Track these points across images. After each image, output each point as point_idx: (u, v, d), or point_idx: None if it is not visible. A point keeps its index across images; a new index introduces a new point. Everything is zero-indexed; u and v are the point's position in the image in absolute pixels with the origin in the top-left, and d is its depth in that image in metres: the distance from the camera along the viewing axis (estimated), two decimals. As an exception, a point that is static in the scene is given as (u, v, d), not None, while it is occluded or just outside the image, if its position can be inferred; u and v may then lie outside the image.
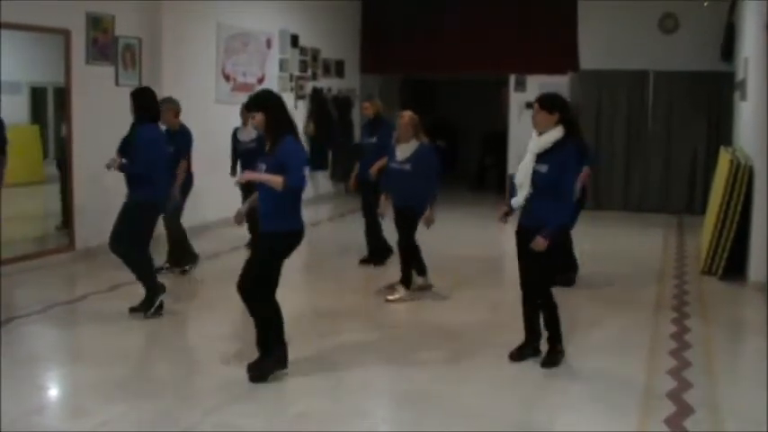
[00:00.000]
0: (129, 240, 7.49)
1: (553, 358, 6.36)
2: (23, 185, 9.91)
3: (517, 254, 6.41)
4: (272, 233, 5.86)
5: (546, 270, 6.34)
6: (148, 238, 7.72)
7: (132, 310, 7.54)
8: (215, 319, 7.67)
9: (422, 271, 8.61)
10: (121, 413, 5.30)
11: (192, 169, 9.27)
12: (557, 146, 6.10)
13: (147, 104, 7.60)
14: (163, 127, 8.40)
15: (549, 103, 6.18)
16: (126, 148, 7.70)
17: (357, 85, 17.21)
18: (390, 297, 8.30)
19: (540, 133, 6.18)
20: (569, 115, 6.25)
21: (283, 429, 5.14)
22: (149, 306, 7.48)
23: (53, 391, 5.95)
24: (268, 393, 5.70)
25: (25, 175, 10.00)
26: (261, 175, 5.86)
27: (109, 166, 7.58)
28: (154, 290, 7.53)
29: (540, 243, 6.05)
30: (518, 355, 6.45)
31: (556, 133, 6.10)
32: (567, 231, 6.89)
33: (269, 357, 5.93)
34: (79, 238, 9.80)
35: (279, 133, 5.89)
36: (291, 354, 6.04)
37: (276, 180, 5.74)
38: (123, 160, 7.53)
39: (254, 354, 6.03)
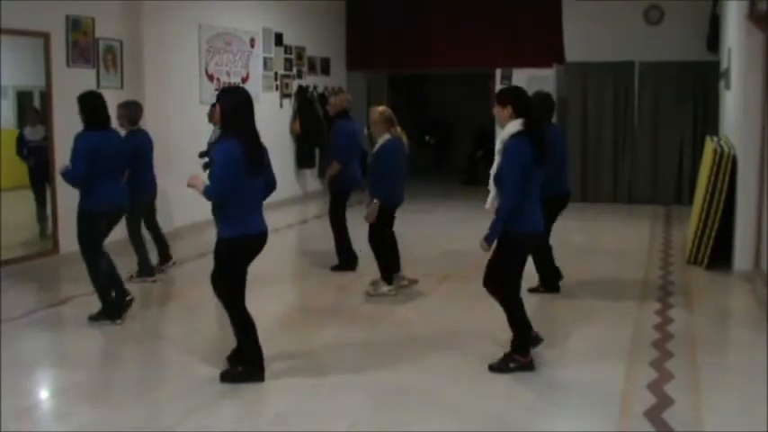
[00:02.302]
0: (81, 249, 7.38)
1: (500, 364, 6.06)
2: (9, 190, 9.85)
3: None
4: (218, 240, 5.73)
5: (500, 271, 6.00)
6: (94, 247, 7.42)
7: (91, 318, 7.37)
8: (194, 321, 7.66)
9: (396, 267, 8.52)
10: (101, 416, 5.29)
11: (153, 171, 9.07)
12: (511, 139, 5.87)
13: (92, 109, 7.32)
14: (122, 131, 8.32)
15: (500, 96, 6.04)
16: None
17: (344, 82, 17.17)
18: (372, 292, 8.29)
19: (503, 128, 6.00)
20: (527, 108, 5.95)
21: (263, 431, 5.12)
22: (101, 316, 7.33)
23: (35, 395, 5.91)
24: (248, 394, 5.68)
25: (11, 179, 9.95)
26: (196, 183, 5.67)
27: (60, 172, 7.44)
28: (103, 298, 7.37)
29: (481, 245, 5.88)
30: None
31: (511, 127, 5.88)
32: (539, 238, 6.64)
33: (241, 365, 5.89)
34: (64, 242, 9.75)
35: (224, 132, 5.77)
36: (272, 352, 6.03)
37: (200, 188, 5.61)
38: (68, 166, 7.27)
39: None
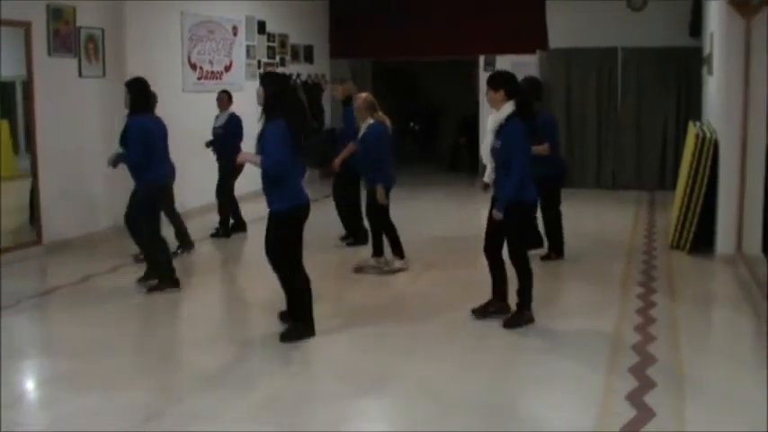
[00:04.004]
0: (140, 221, 7.97)
1: (517, 320, 6.74)
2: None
3: (487, 220, 6.87)
4: (276, 213, 6.40)
5: (513, 241, 6.75)
6: (154, 218, 8.12)
7: (139, 280, 8.16)
8: (184, 308, 7.68)
9: (379, 251, 8.84)
10: (89, 403, 5.29)
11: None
12: (508, 121, 6.53)
13: (139, 94, 7.94)
14: None
15: (492, 81, 6.66)
16: (123, 139, 8.22)
17: (327, 70, 17.14)
18: (385, 268, 8.61)
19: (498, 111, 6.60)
20: (517, 90, 6.61)
21: (251, 415, 5.14)
22: (146, 278, 8.09)
23: (23, 384, 5.90)
24: (235, 379, 5.70)
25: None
26: (248, 157, 6.46)
27: (109, 163, 8.19)
28: (153, 266, 8.07)
29: (494, 215, 6.67)
30: (481, 312, 6.95)
31: (507, 109, 6.53)
32: (532, 206, 7.01)
33: (296, 325, 6.51)
34: (46, 232, 9.72)
35: (268, 115, 6.30)
36: (258, 337, 6.08)
37: (255, 160, 6.30)
38: (120, 151, 8.18)
39: (223, 340, 6.37)
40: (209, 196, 10.85)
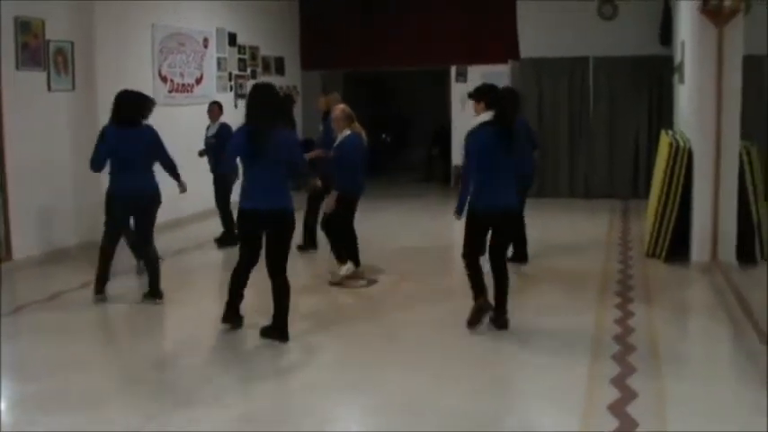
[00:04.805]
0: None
1: (505, 320, 6.95)
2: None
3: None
4: (290, 216, 6.79)
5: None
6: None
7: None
8: (156, 325, 7.59)
9: (341, 257, 8.78)
10: (60, 425, 5.16)
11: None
12: (475, 128, 7.01)
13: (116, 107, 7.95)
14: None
15: (477, 94, 7.32)
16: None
17: (299, 81, 17.08)
18: (333, 280, 8.62)
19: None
20: (496, 100, 7.00)
21: (228, 429, 5.07)
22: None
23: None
24: (209, 396, 5.61)
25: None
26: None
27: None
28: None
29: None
30: (476, 321, 6.97)
31: (481, 117, 7.03)
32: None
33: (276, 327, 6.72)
34: (17, 248, 9.57)
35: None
36: (232, 354, 5.97)
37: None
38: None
39: (196, 357, 6.26)
40: (179, 210, 10.78)
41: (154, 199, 8.00)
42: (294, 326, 6.85)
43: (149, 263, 8.06)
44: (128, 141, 7.82)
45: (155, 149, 8.02)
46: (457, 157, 15.41)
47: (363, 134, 8.77)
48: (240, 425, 5.17)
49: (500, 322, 6.91)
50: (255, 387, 5.86)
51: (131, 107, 7.93)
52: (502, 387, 5.79)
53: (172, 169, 8.26)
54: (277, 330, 6.68)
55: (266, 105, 6.64)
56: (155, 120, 8.13)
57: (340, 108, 8.85)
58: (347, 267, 8.65)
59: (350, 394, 5.70)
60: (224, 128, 10.51)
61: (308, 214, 10.17)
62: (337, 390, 5.77)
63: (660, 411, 5.20)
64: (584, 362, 6.12)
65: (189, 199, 9.24)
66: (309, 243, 10.31)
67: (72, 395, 5.73)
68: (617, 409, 5.18)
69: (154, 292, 7.97)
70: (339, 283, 8.57)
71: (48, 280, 8.95)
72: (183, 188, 8.49)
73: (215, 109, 10.94)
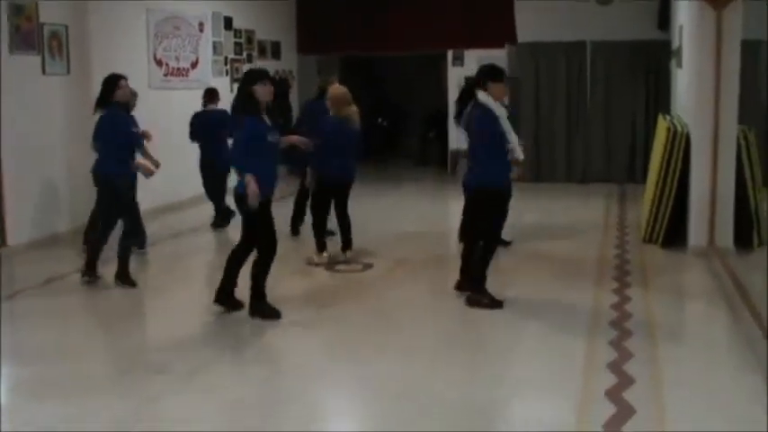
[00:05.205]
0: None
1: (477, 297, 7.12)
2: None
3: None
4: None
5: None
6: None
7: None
8: (149, 311, 7.56)
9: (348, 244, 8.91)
10: (55, 411, 5.13)
11: None
12: None
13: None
14: None
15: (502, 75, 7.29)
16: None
17: (295, 66, 17.01)
18: (314, 260, 8.74)
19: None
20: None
21: (219, 417, 5.04)
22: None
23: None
24: (203, 382, 5.58)
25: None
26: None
27: None
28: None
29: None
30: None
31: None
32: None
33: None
34: (11, 234, 9.51)
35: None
36: (226, 340, 5.95)
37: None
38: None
39: (189, 344, 6.19)
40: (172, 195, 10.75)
41: (102, 182, 8.08)
42: (287, 309, 6.84)
43: (93, 244, 8.20)
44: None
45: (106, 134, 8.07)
46: (454, 140, 15.38)
47: (357, 117, 8.63)
48: (236, 409, 5.14)
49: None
50: (248, 371, 5.82)
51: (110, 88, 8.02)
52: (497, 372, 5.75)
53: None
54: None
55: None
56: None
57: (342, 90, 8.69)
58: (324, 256, 8.76)
59: (343, 379, 5.67)
60: (224, 114, 10.35)
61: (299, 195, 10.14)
62: (330, 374, 5.75)
63: (658, 397, 5.19)
64: (581, 347, 6.10)
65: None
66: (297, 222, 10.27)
67: (66, 380, 5.69)
68: (614, 394, 5.16)
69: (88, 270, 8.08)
70: (316, 264, 8.67)
71: (42, 264, 8.90)
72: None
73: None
